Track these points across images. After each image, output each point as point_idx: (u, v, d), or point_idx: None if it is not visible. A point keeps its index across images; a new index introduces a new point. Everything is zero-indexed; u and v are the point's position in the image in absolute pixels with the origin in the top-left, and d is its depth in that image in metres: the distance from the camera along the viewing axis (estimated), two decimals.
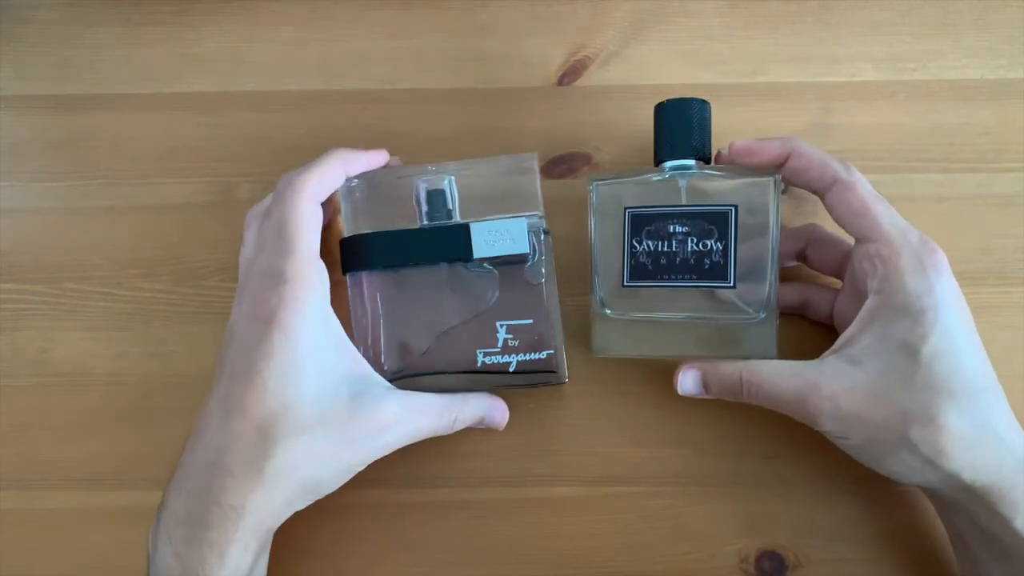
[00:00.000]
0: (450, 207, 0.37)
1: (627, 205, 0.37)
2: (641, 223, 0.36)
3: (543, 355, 0.37)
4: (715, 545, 0.40)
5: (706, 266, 0.36)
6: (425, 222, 0.37)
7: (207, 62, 0.45)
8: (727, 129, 0.43)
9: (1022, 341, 0.41)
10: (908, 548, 0.39)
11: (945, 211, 0.42)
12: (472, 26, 0.45)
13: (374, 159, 0.38)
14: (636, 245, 0.37)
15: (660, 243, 0.36)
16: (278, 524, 0.34)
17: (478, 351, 0.37)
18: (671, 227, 0.36)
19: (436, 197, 0.37)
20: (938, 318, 0.32)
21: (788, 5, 0.45)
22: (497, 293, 0.37)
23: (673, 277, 0.36)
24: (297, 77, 0.45)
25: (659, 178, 0.37)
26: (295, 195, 0.34)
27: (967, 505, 0.33)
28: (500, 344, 0.37)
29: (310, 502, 0.34)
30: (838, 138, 0.43)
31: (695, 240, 0.36)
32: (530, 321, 0.37)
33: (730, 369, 0.36)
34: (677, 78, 0.44)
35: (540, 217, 0.37)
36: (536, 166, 0.37)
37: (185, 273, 0.43)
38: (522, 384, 0.38)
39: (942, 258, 0.33)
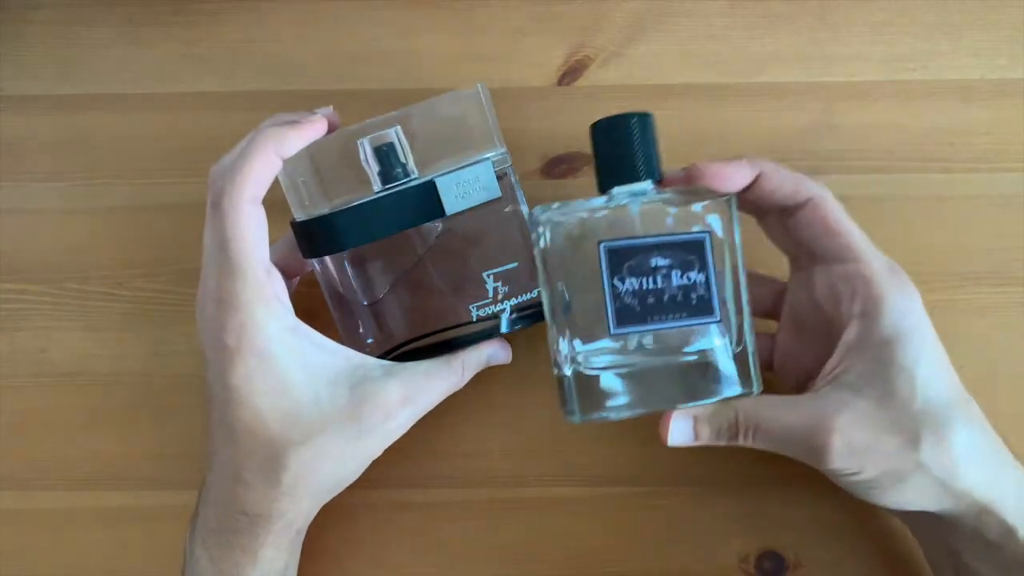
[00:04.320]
0: (403, 161, 0.34)
1: (600, 239, 0.32)
2: (621, 258, 0.32)
3: (535, 293, 0.36)
4: (715, 545, 0.40)
5: (693, 301, 0.32)
6: (380, 185, 0.34)
7: (207, 62, 0.45)
8: (727, 129, 0.43)
9: (1022, 341, 0.41)
10: (908, 548, 0.39)
11: (945, 211, 0.42)
12: (472, 26, 0.45)
13: (310, 132, 0.34)
14: (619, 284, 0.32)
15: (644, 280, 0.32)
16: (307, 523, 0.35)
17: (471, 306, 0.36)
18: (653, 260, 0.32)
19: (386, 153, 0.34)
20: (925, 338, 0.32)
21: (788, 5, 0.45)
22: (440, 225, 0.35)
23: (663, 318, 0.32)
24: (297, 77, 0.45)
25: (611, 205, 0.33)
26: (232, 207, 0.31)
27: (972, 522, 0.32)
28: (491, 294, 0.36)
29: (334, 495, 0.35)
30: (838, 138, 0.43)
31: (679, 273, 0.32)
32: (515, 264, 0.36)
33: (723, 412, 0.33)
34: (677, 78, 0.44)
35: (503, 153, 0.35)
36: (484, 95, 0.34)
37: (185, 273, 0.43)
38: (520, 325, 0.37)
39: (908, 279, 0.33)
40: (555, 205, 0.33)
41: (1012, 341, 0.41)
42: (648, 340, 0.33)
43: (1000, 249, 0.42)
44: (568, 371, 0.34)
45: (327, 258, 0.36)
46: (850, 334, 0.33)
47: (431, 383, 0.35)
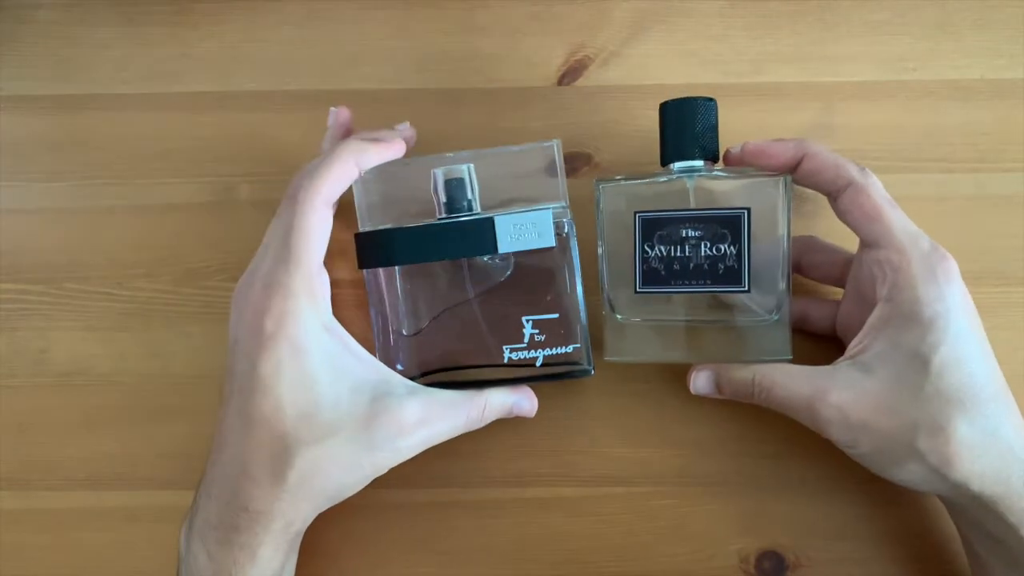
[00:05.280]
0: (470, 197, 0.36)
1: (637, 209, 0.36)
2: (652, 228, 0.36)
3: (569, 349, 0.37)
4: (715, 545, 0.40)
5: (720, 271, 0.35)
6: (444, 214, 0.36)
7: (207, 62, 0.45)
8: (727, 129, 0.43)
9: (1022, 341, 0.41)
10: (909, 548, 0.39)
11: (945, 211, 0.42)
12: (472, 26, 0.45)
13: (388, 152, 0.37)
14: (648, 250, 0.36)
15: (672, 248, 0.36)
16: (306, 526, 0.34)
17: (504, 347, 0.37)
18: (683, 231, 0.35)
19: (455, 187, 0.36)
20: (949, 326, 0.32)
21: (788, 5, 0.45)
22: (511, 270, 0.36)
23: (687, 283, 0.36)
24: (297, 77, 0.45)
25: (666, 180, 0.37)
26: (306, 201, 0.33)
27: (975, 512, 0.33)
28: (526, 339, 0.36)
29: (335, 503, 0.34)
30: (838, 138, 0.43)
31: (708, 244, 0.35)
32: (555, 315, 0.36)
33: (743, 371, 0.36)
34: (677, 78, 0.44)
35: (564, 207, 0.36)
36: (559, 152, 0.36)
37: (185, 273, 0.43)
38: (548, 377, 0.37)
39: (953, 265, 0.33)
40: (619, 177, 0.37)
41: (1012, 341, 0.41)
42: (684, 301, 0.37)
43: (1000, 249, 0.42)
44: (608, 316, 0.38)
45: (381, 276, 0.37)
46: (875, 316, 0.34)
47: (450, 413, 0.35)
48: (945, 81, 0.44)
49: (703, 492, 0.40)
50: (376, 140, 0.36)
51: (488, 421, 0.37)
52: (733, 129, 0.43)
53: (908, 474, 0.33)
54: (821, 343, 0.40)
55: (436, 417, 0.35)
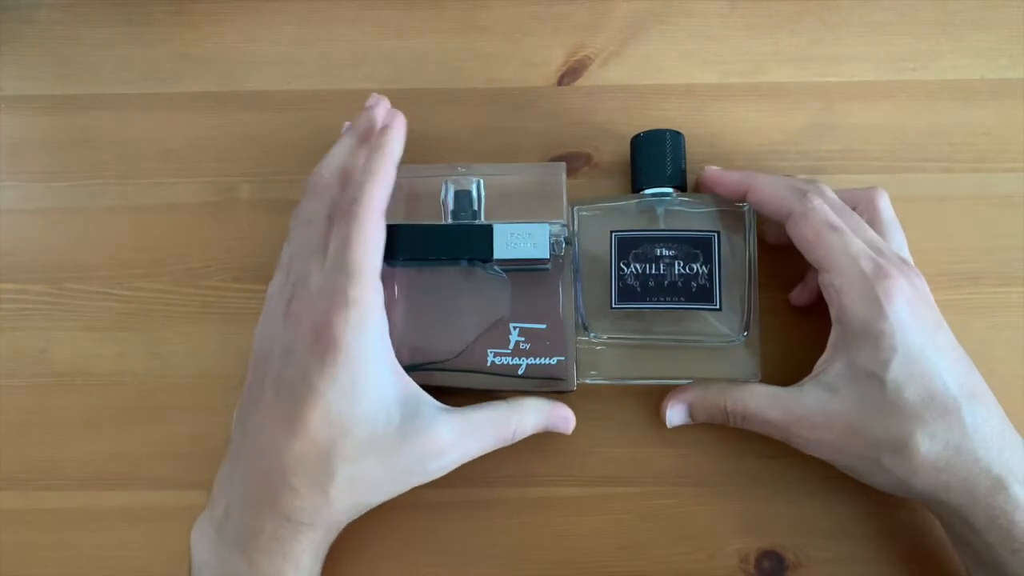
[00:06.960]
0: (476, 209, 0.38)
1: (613, 229, 0.38)
2: (628, 246, 0.37)
3: (553, 361, 0.37)
4: (715, 545, 0.40)
5: (693, 289, 0.37)
6: (449, 221, 0.38)
7: (207, 62, 0.45)
8: (728, 129, 0.43)
9: (1022, 341, 0.41)
10: (908, 548, 0.39)
11: (945, 211, 0.42)
12: (472, 26, 0.45)
13: (400, 135, 0.37)
14: (624, 268, 0.37)
15: (648, 266, 0.37)
16: (340, 531, 0.36)
17: (489, 350, 0.37)
18: (658, 250, 0.37)
19: (463, 198, 0.38)
20: (896, 345, 0.32)
21: (788, 5, 0.45)
22: (508, 302, 0.37)
23: (661, 299, 0.37)
24: (297, 77, 0.45)
25: (638, 204, 0.39)
26: (366, 211, 0.34)
27: (945, 516, 0.34)
28: (511, 346, 0.37)
29: (368, 510, 0.35)
30: (838, 138, 0.43)
31: (681, 263, 0.37)
32: (543, 326, 0.37)
33: (714, 399, 0.37)
34: (677, 78, 0.44)
35: (563, 226, 0.37)
36: (564, 176, 0.38)
37: (185, 273, 0.43)
38: (529, 389, 0.38)
39: (895, 283, 0.33)
40: (590, 205, 0.39)
41: (1012, 341, 0.41)
42: (656, 321, 0.38)
43: (1000, 249, 0.42)
44: (581, 337, 0.38)
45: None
46: (833, 335, 0.35)
47: (480, 434, 0.35)
48: (945, 81, 0.44)
49: (703, 492, 0.40)
50: (387, 132, 0.36)
51: (520, 439, 0.37)
52: (733, 129, 0.43)
53: (881, 484, 0.35)
54: (791, 358, 0.39)
55: (466, 440, 0.35)
